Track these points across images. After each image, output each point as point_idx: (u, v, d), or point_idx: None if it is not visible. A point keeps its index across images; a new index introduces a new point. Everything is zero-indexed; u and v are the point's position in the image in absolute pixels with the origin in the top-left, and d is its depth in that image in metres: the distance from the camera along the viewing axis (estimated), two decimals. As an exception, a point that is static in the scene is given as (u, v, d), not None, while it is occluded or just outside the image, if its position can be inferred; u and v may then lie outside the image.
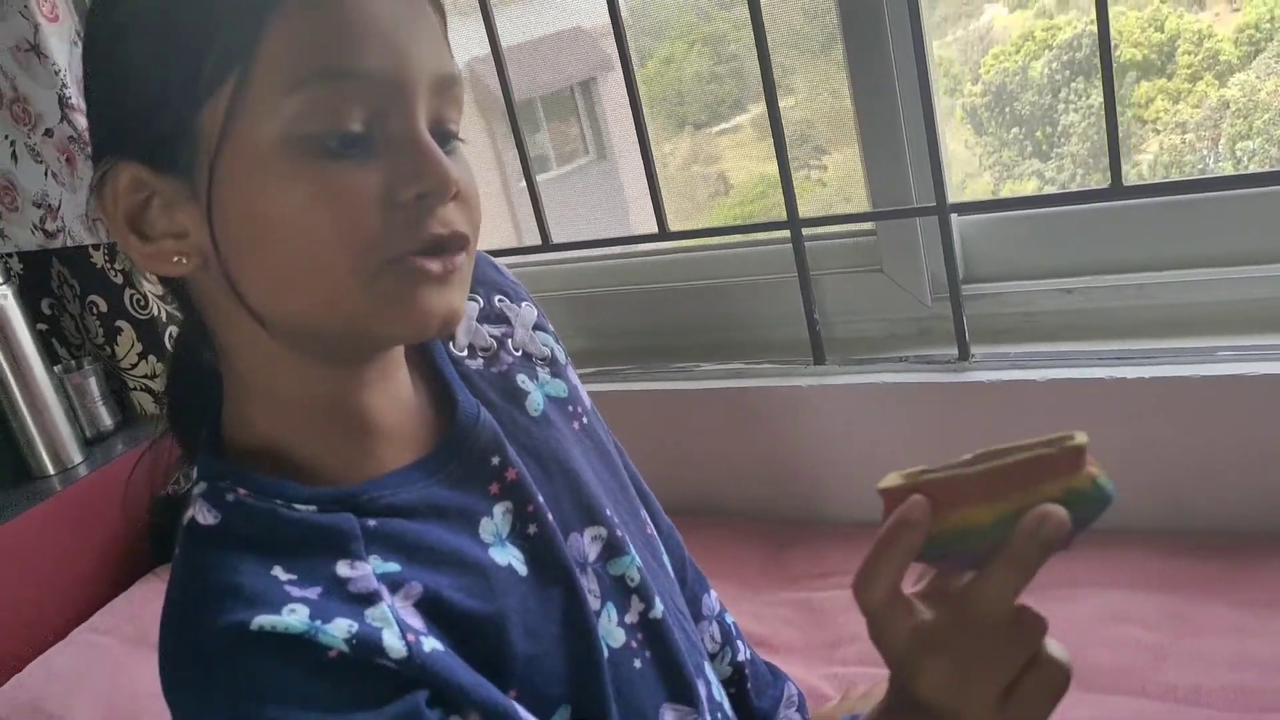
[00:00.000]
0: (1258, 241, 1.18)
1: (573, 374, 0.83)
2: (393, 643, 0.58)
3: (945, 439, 1.29)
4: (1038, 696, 0.53)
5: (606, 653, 0.71)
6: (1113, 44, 1.10)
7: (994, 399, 1.26)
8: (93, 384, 1.82)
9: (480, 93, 2.32)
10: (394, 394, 0.68)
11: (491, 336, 0.78)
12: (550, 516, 0.71)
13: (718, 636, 0.94)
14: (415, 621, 0.61)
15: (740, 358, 1.44)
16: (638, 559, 0.76)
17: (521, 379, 0.78)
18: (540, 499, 0.71)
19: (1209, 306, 1.21)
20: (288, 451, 0.65)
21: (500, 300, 0.80)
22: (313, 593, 0.59)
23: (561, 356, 0.83)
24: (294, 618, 0.56)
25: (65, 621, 1.55)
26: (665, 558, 0.83)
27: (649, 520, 0.83)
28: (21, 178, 1.71)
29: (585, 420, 0.81)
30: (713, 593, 0.95)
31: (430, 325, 0.60)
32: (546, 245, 1.50)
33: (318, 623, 0.57)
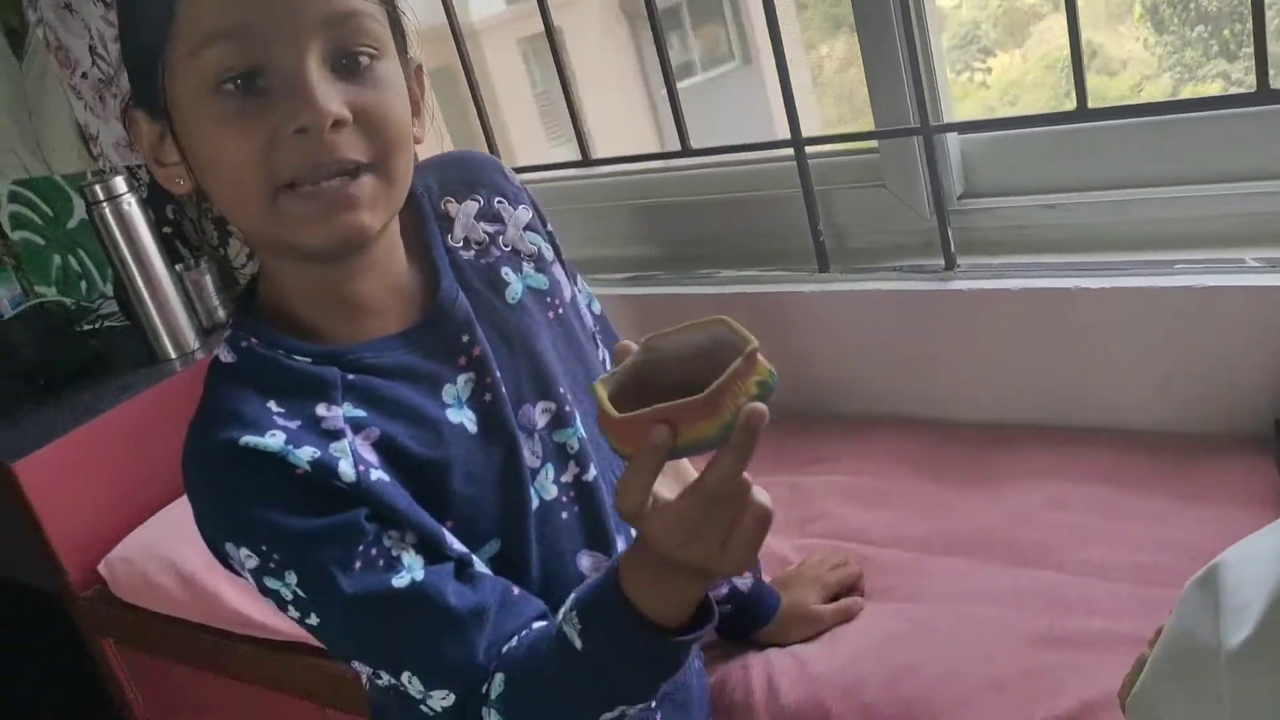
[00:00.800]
0: (1220, 162, 1.25)
1: (559, 271, 0.96)
2: (346, 470, 0.76)
3: (931, 340, 1.41)
4: (750, 533, 0.68)
5: (537, 503, 0.88)
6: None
7: (974, 304, 1.36)
8: (208, 280, 2.08)
9: (627, -1, 2.38)
10: (382, 277, 0.84)
11: (485, 233, 0.92)
12: (505, 389, 0.87)
13: None
14: (370, 457, 0.79)
15: (758, 265, 1.57)
16: (581, 431, 0.91)
17: (505, 271, 0.92)
18: (499, 374, 0.87)
19: (1178, 223, 1.28)
20: (293, 318, 0.83)
21: (499, 202, 0.94)
22: (293, 425, 0.77)
23: (549, 255, 0.96)
24: (273, 440, 0.75)
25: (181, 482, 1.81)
26: None
27: None
28: (145, 98, 1.95)
29: (561, 311, 0.95)
30: None
31: (335, 241, 0.75)
32: (586, 160, 1.65)
33: (290, 447, 0.75)
